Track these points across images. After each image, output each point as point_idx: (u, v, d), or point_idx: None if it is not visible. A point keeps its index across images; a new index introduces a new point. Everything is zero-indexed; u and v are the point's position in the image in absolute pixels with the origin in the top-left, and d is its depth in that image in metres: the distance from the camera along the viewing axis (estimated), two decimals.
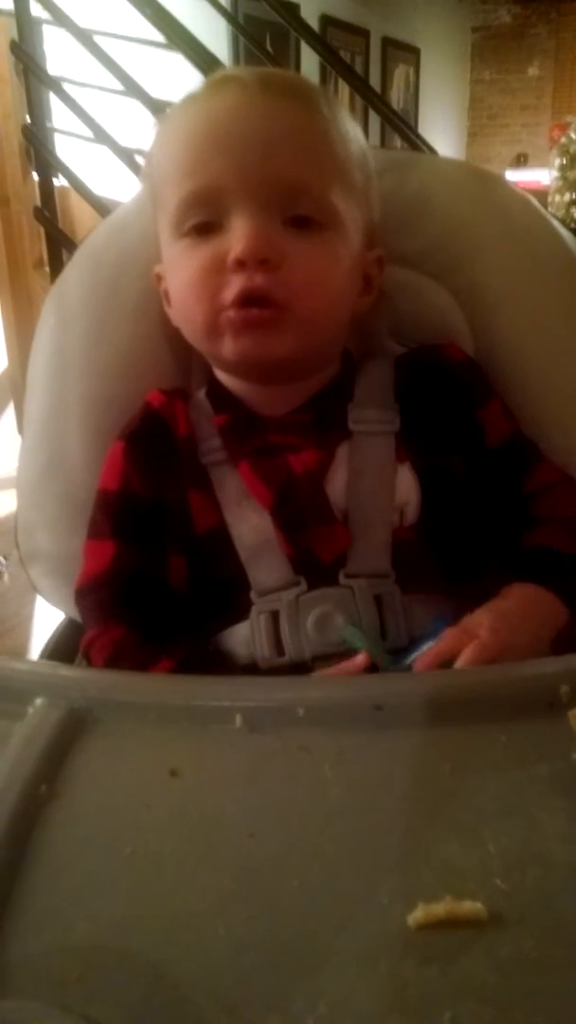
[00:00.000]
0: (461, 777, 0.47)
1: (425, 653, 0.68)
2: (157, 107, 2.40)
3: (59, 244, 3.10)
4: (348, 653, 0.73)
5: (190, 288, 0.77)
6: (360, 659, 0.70)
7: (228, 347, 0.77)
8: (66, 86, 2.81)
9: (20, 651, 2.33)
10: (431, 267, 0.91)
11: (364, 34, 7.68)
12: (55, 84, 2.84)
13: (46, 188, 3.12)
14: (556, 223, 0.92)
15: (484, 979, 0.36)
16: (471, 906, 0.39)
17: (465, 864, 0.41)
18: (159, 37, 2.38)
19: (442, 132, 9.12)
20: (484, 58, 9.82)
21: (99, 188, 2.82)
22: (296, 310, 0.75)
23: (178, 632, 0.78)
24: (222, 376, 0.86)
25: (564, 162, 5.87)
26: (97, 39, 2.59)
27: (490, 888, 0.40)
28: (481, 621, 0.69)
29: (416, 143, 2.38)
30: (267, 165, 0.74)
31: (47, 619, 1.07)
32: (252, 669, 0.76)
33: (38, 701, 0.53)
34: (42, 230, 3.22)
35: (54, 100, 2.93)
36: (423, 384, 0.84)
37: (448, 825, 0.44)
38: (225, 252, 0.74)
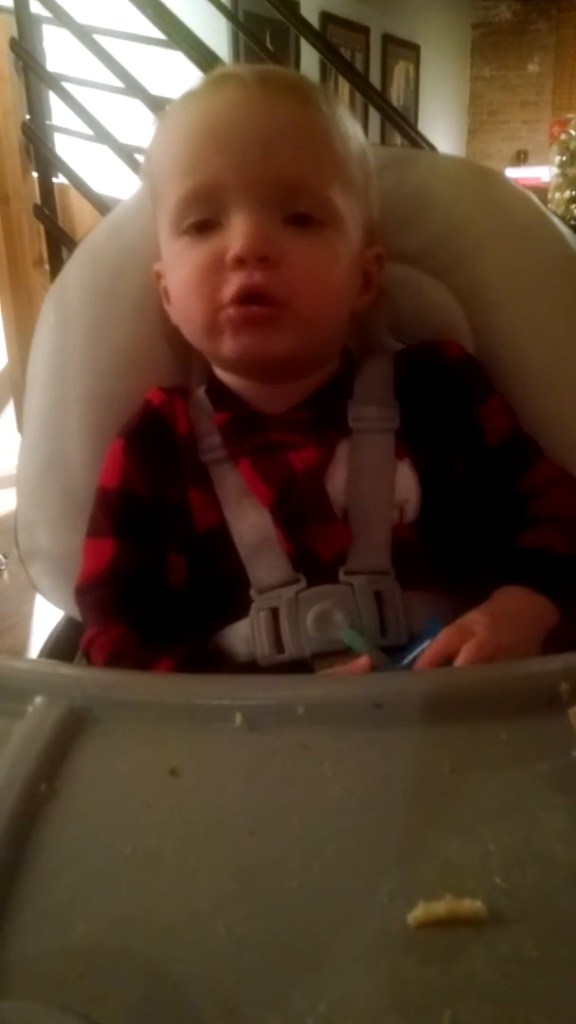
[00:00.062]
0: (461, 775, 0.47)
1: (425, 653, 0.68)
2: (157, 105, 2.40)
3: (59, 242, 3.10)
4: (348, 650, 0.73)
5: (189, 286, 0.77)
6: (364, 660, 0.70)
7: (227, 345, 0.77)
8: (66, 84, 2.81)
9: (19, 649, 2.33)
10: (431, 264, 0.91)
11: (364, 31, 7.68)
12: (55, 82, 2.84)
13: (46, 186, 3.12)
14: (556, 220, 0.91)
15: (484, 978, 0.36)
16: (471, 904, 0.39)
17: (465, 862, 0.41)
18: (159, 34, 2.38)
19: (442, 129, 9.11)
20: (484, 54, 9.81)
21: (99, 186, 2.82)
22: (296, 308, 0.75)
23: (178, 630, 0.78)
24: (222, 374, 0.86)
25: (564, 159, 5.88)
26: (96, 37, 2.58)
27: (490, 886, 0.40)
28: (477, 619, 0.69)
29: (416, 140, 2.38)
30: (266, 163, 0.73)
31: (46, 617, 1.07)
32: (252, 667, 0.76)
33: (38, 700, 0.53)
34: (42, 228, 3.22)
35: (54, 98, 2.93)
36: (423, 381, 0.84)
37: (448, 823, 0.44)
38: (224, 250, 0.73)
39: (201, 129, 0.76)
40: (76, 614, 0.88)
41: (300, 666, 0.75)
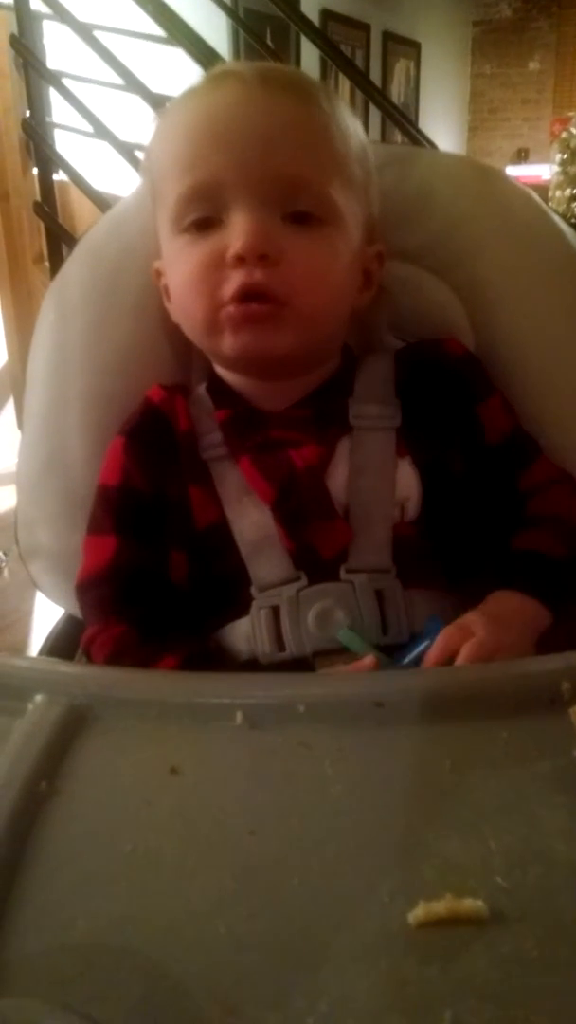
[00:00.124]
0: (462, 774, 0.47)
1: (431, 653, 0.68)
2: (157, 102, 2.39)
3: (59, 239, 3.10)
4: (347, 649, 0.73)
5: (190, 284, 0.77)
6: (370, 659, 0.70)
7: (228, 343, 0.77)
8: (66, 81, 2.81)
9: (20, 647, 2.33)
10: (432, 262, 0.91)
11: (365, 28, 7.67)
12: (55, 79, 2.84)
13: (46, 183, 3.12)
14: (557, 218, 0.91)
15: (485, 977, 0.36)
16: (472, 904, 0.38)
17: (466, 861, 0.41)
18: (159, 31, 2.37)
19: (443, 126, 9.11)
20: (485, 52, 9.80)
21: (99, 183, 2.82)
22: (295, 306, 0.75)
23: (179, 628, 0.78)
24: (222, 371, 0.86)
25: (565, 157, 5.87)
26: (97, 33, 2.58)
27: (491, 886, 0.40)
28: (475, 620, 0.69)
29: (416, 138, 2.38)
30: (266, 160, 0.73)
31: (47, 615, 1.07)
32: (253, 665, 0.76)
33: (38, 698, 0.53)
34: (42, 225, 3.21)
35: (54, 95, 2.92)
36: (423, 379, 0.84)
37: (449, 822, 0.44)
38: (224, 248, 0.73)
39: (201, 127, 0.76)
40: (76, 612, 0.88)
41: (301, 664, 0.75)
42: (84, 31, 2.57)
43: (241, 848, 0.43)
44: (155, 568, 0.81)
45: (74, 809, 0.46)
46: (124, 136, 2.67)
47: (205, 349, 0.84)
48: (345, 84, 2.68)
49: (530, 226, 0.91)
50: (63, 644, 0.98)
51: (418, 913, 0.38)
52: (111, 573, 0.81)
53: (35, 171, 3.15)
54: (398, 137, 2.56)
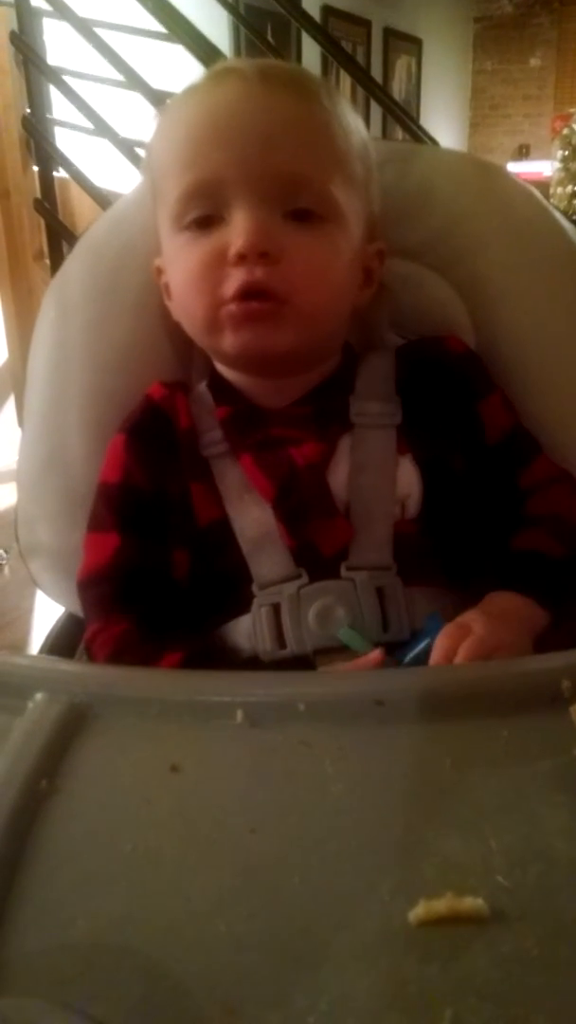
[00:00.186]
0: (462, 772, 0.47)
1: (435, 653, 0.68)
2: (158, 99, 2.39)
3: (59, 236, 3.10)
4: (347, 647, 0.73)
5: (190, 282, 0.77)
6: (376, 655, 0.70)
7: (228, 341, 0.77)
8: (66, 77, 2.80)
9: (20, 645, 2.33)
10: (432, 259, 0.91)
11: (366, 24, 7.66)
12: (55, 75, 2.84)
13: (46, 180, 3.12)
14: (558, 215, 0.91)
15: (485, 976, 0.36)
16: (472, 902, 0.38)
17: (466, 860, 0.41)
18: (160, 28, 2.37)
19: (444, 123, 9.10)
20: (486, 48, 9.79)
21: (100, 180, 2.82)
22: (296, 303, 0.75)
23: (180, 626, 0.78)
24: (223, 369, 0.85)
25: (567, 153, 5.87)
26: (97, 30, 2.58)
27: (491, 884, 0.40)
28: (473, 618, 0.69)
29: (417, 134, 2.37)
30: (267, 158, 0.73)
31: (47, 613, 1.07)
32: (254, 662, 0.76)
33: (38, 696, 0.53)
34: (42, 222, 3.21)
35: (54, 92, 2.92)
36: (424, 376, 0.84)
37: (449, 821, 0.44)
38: (225, 246, 0.73)
39: (202, 124, 0.76)
40: (77, 610, 0.88)
41: (302, 662, 0.75)
42: (84, 27, 2.56)
43: (241, 847, 0.43)
44: (156, 565, 0.81)
45: (74, 808, 0.46)
46: (124, 133, 2.67)
47: (206, 347, 0.84)
48: (346, 80, 2.67)
49: (531, 223, 0.91)
50: (63, 642, 0.98)
51: (418, 912, 0.38)
52: (112, 570, 0.81)
53: (35, 168, 3.15)
54: (399, 134, 2.56)
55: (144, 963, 0.37)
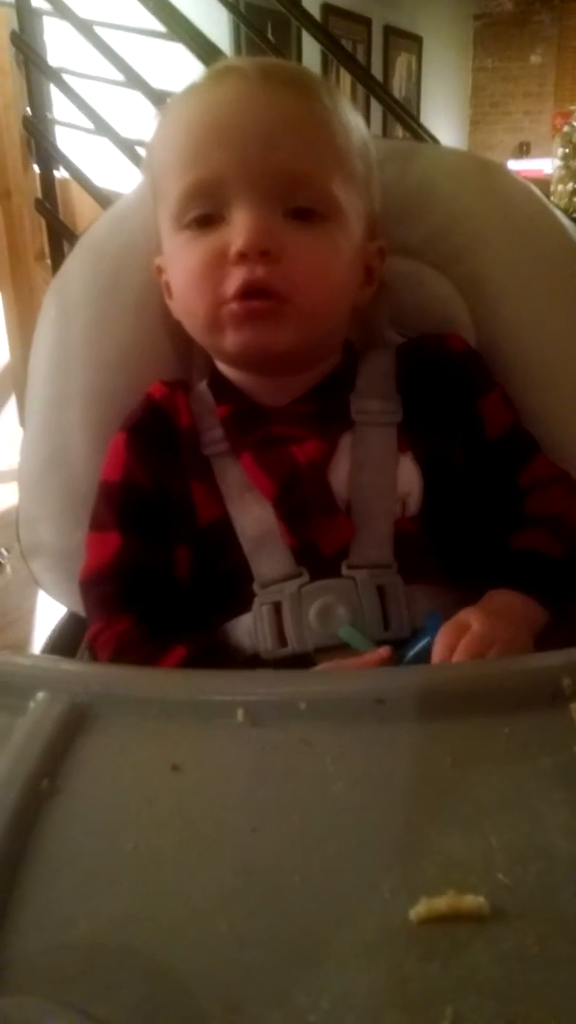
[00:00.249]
0: (463, 770, 0.47)
1: (436, 650, 0.68)
2: (158, 98, 2.39)
3: (60, 236, 3.10)
4: (348, 646, 0.73)
5: (191, 281, 0.77)
6: (384, 651, 0.70)
7: (230, 339, 0.77)
8: (67, 77, 2.80)
9: (22, 645, 2.33)
10: (433, 257, 0.91)
11: (366, 22, 7.66)
12: (56, 75, 2.83)
13: (47, 180, 3.11)
14: (559, 213, 0.91)
15: (487, 974, 0.36)
16: (473, 900, 0.38)
17: (467, 858, 0.41)
18: (160, 27, 2.37)
19: (444, 121, 9.09)
20: (486, 46, 9.79)
21: (100, 180, 2.82)
22: (297, 302, 0.75)
23: (182, 624, 0.78)
24: (224, 367, 0.86)
25: (567, 151, 5.87)
26: (97, 29, 2.58)
27: (492, 882, 0.40)
28: (471, 614, 0.69)
29: (418, 132, 2.37)
30: (268, 157, 0.73)
31: (49, 613, 1.07)
32: (256, 661, 0.76)
33: (40, 695, 0.53)
34: (43, 222, 3.21)
35: (55, 91, 2.92)
36: (425, 374, 0.84)
37: (450, 819, 0.44)
38: (226, 245, 0.73)
39: (202, 123, 0.76)
40: (79, 609, 0.88)
41: (303, 660, 0.75)
42: (84, 27, 2.56)
43: (242, 846, 0.43)
44: (158, 564, 0.81)
45: (76, 807, 0.46)
46: (125, 133, 2.67)
47: (207, 346, 0.84)
48: (346, 79, 2.66)
49: (531, 220, 0.91)
50: (65, 642, 0.98)
51: (419, 910, 0.38)
52: (114, 570, 0.81)
53: (36, 168, 3.14)
54: (399, 132, 2.56)
55: (146, 962, 0.38)
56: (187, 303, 0.80)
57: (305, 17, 2.57)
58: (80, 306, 0.91)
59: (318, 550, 0.78)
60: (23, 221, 3.24)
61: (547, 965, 0.36)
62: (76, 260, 0.93)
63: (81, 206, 3.28)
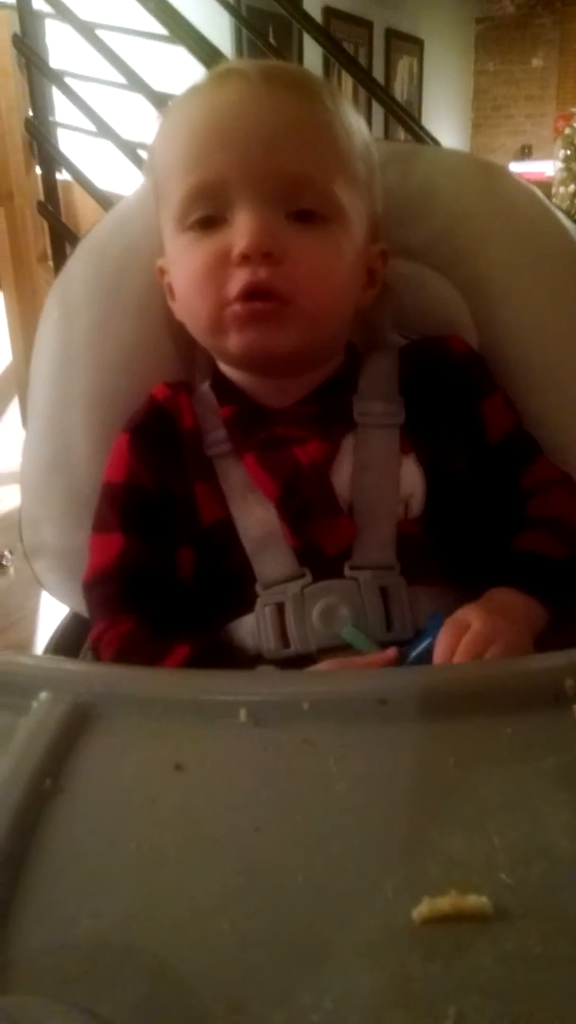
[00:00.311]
0: (466, 771, 0.47)
1: (438, 651, 0.68)
2: (160, 100, 2.39)
3: (62, 238, 3.10)
4: (351, 646, 0.73)
5: (194, 283, 0.77)
6: (392, 652, 0.70)
7: (233, 341, 0.77)
8: (68, 80, 2.80)
9: (25, 645, 2.33)
10: (435, 259, 0.91)
11: (367, 26, 7.66)
12: (58, 78, 2.84)
13: (49, 182, 3.12)
14: (561, 215, 0.91)
15: (489, 974, 0.36)
16: (476, 900, 0.38)
17: (470, 858, 0.41)
18: (162, 30, 2.37)
19: (446, 123, 9.10)
20: (488, 49, 9.79)
21: (103, 182, 2.82)
22: (300, 304, 0.75)
23: (185, 625, 0.78)
24: (226, 369, 0.86)
25: (569, 153, 5.87)
26: (99, 32, 2.58)
27: (495, 882, 0.40)
28: (470, 612, 0.69)
29: (420, 135, 2.37)
30: (270, 159, 0.73)
31: (52, 613, 1.07)
32: (259, 661, 0.76)
33: (43, 695, 0.53)
34: (46, 224, 3.21)
35: (57, 94, 2.92)
36: (427, 376, 0.84)
37: (453, 819, 0.44)
38: (229, 247, 0.73)
39: (205, 125, 0.76)
40: (81, 610, 0.88)
41: (306, 661, 0.75)
42: (86, 30, 2.57)
43: (245, 845, 0.43)
44: (161, 565, 0.81)
45: (78, 807, 0.46)
46: (127, 135, 2.67)
47: (210, 347, 0.84)
48: (348, 82, 2.66)
49: (533, 223, 0.91)
50: (68, 642, 0.98)
51: (422, 910, 0.38)
52: (117, 571, 0.81)
53: (38, 170, 3.15)
54: (401, 135, 2.56)
55: (148, 961, 0.38)
56: (190, 305, 0.80)
57: (307, 20, 2.57)
58: (83, 308, 0.91)
59: (321, 551, 0.78)
60: (25, 223, 3.25)
61: (550, 965, 0.36)
62: (78, 262, 0.93)
63: (83, 208, 3.29)
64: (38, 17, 2.92)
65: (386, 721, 0.51)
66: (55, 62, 3.01)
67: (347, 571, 0.77)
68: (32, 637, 2.36)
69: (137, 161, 2.54)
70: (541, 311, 0.90)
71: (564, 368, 0.90)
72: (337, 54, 2.61)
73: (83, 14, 2.65)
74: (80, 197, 3.19)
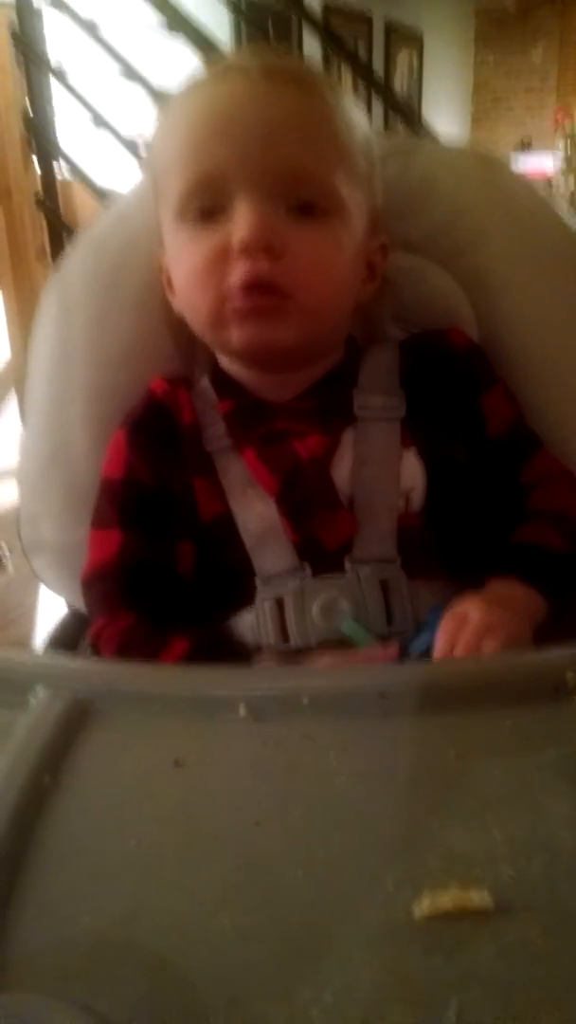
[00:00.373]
0: (466, 764, 0.47)
1: (438, 644, 0.67)
2: (159, 95, 2.39)
3: (61, 235, 3.09)
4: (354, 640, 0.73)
5: (194, 277, 0.77)
6: (392, 651, 0.70)
7: (233, 336, 0.77)
8: (67, 75, 2.80)
9: (23, 642, 2.33)
10: (435, 253, 0.91)
11: (367, 19, 7.64)
12: (56, 73, 2.83)
13: (48, 178, 3.11)
14: (559, 207, 0.91)
15: (490, 967, 0.36)
16: (477, 894, 0.38)
17: (471, 851, 0.41)
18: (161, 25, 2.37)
19: (446, 117, 9.07)
20: (488, 42, 9.77)
21: (101, 178, 2.81)
22: (300, 298, 0.74)
23: (185, 620, 0.78)
24: (226, 363, 0.85)
25: (568, 146, 5.87)
26: (98, 26, 2.57)
27: (496, 875, 0.40)
28: (469, 604, 0.69)
29: (419, 128, 2.37)
30: (270, 152, 0.73)
31: (51, 610, 1.07)
32: (258, 656, 0.76)
33: (41, 692, 0.53)
34: (44, 221, 3.21)
35: (55, 90, 2.91)
36: (427, 370, 0.84)
37: (453, 812, 0.44)
38: (228, 240, 0.73)
39: (204, 119, 0.76)
40: (80, 606, 0.88)
41: (306, 656, 0.75)
42: (85, 24, 2.56)
43: (245, 840, 0.43)
44: (160, 561, 0.81)
45: (77, 803, 0.46)
46: (126, 130, 2.66)
47: (210, 341, 0.84)
48: (348, 75, 2.66)
49: (533, 215, 0.91)
50: (67, 638, 0.98)
51: (423, 903, 0.38)
52: (116, 566, 0.81)
53: (37, 167, 3.14)
54: (401, 128, 2.55)
55: (148, 958, 0.37)
56: (190, 299, 0.80)
57: (306, 14, 2.56)
58: (81, 303, 0.91)
59: (320, 545, 0.77)
60: (24, 220, 3.24)
61: (551, 958, 0.36)
62: (77, 257, 0.93)
63: (82, 205, 3.28)
64: (36, 12, 2.91)
65: (386, 715, 0.51)
66: (53, 56, 3.00)
67: (347, 565, 0.76)
68: (31, 633, 2.36)
69: (136, 156, 2.54)
70: (541, 303, 0.89)
71: (564, 360, 0.89)
72: (336, 48, 2.60)
73: (82, 8, 2.63)
74: (79, 194, 3.19)
